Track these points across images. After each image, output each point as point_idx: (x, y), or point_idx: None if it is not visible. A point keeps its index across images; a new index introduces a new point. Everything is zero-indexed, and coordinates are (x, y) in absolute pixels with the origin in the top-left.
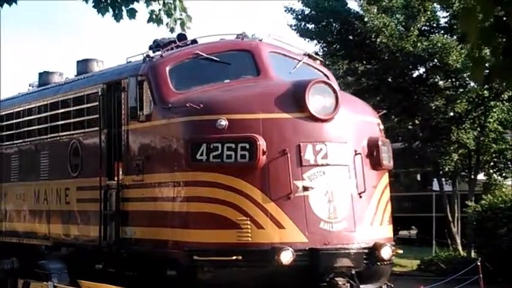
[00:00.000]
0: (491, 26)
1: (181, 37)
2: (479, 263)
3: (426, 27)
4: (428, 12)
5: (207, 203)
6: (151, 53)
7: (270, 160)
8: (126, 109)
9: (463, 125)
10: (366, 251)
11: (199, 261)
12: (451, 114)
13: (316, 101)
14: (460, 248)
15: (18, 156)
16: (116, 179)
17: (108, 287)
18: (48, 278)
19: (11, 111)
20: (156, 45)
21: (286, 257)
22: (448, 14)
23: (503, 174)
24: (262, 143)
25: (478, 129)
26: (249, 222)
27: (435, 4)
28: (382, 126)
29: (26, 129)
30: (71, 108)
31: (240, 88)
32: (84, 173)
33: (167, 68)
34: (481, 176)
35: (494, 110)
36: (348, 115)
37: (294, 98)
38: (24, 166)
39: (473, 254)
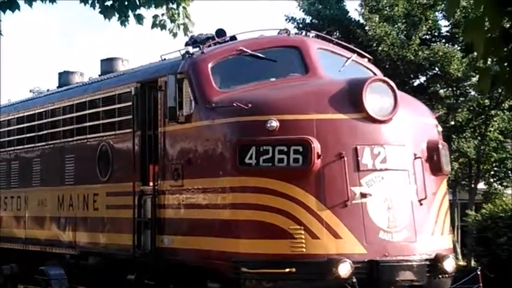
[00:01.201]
0: (498, 36)
1: (220, 33)
2: (479, 272)
3: (427, 36)
4: (430, 21)
5: (256, 210)
6: (191, 49)
7: (325, 164)
8: (163, 109)
9: (464, 134)
10: (428, 262)
11: (247, 274)
12: (452, 123)
13: (374, 100)
14: (460, 256)
15: (41, 159)
16: (151, 184)
17: None
18: (48, 284)
19: (33, 112)
20: (194, 42)
21: (345, 270)
22: (449, 23)
23: (504, 184)
24: (316, 146)
25: (479, 138)
26: (302, 232)
27: (437, 13)
28: (440, 128)
29: (49, 131)
30: (100, 109)
31: (290, 87)
32: (114, 178)
33: (209, 65)
34: (481, 185)
35: (494, 119)
36: (406, 116)
37: (350, 98)
38: (47, 170)
39: (473, 263)
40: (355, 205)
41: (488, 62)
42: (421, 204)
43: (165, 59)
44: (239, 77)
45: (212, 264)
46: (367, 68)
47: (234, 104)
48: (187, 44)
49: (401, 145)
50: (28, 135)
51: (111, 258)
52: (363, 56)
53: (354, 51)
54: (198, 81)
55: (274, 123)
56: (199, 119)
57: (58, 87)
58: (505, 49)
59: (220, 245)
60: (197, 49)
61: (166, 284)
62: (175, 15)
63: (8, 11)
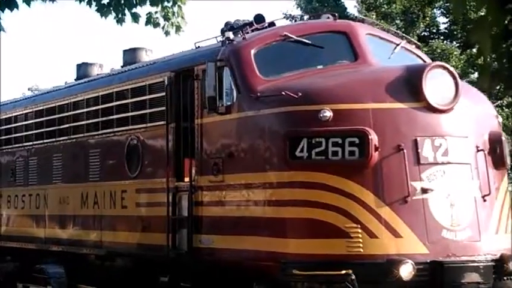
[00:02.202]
0: (499, 33)
1: (259, 19)
2: None
3: (425, 33)
4: (428, 18)
5: (307, 207)
6: (231, 35)
7: (383, 157)
8: (200, 100)
9: None
10: (493, 263)
11: (298, 276)
12: None
13: (434, 88)
14: None
15: (62, 155)
16: (186, 180)
17: None
18: (47, 282)
19: (53, 105)
20: (230, 28)
21: (406, 271)
22: (447, 19)
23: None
24: (374, 138)
25: None
26: (359, 230)
27: (435, 10)
28: (500, 119)
29: (71, 124)
30: (129, 100)
31: (341, 74)
32: (145, 174)
33: (252, 52)
34: None
35: None
36: (467, 105)
37: (408, 86)
38: (69, 166)
39: None
40: (415, 201)
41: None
42: (484, 200)
43: (199, 46)
44: (284, 65)
45: (258, 265)
46: (417, 55)
47: (283, 93)
48: (223, 31)
49: (463, 137)
50: (48, 129)
51: (141, 259)
52: (410, 43)
53: (402, 37)
54: (240, 69)
55: (328, 113)
56: (243, 109)
57: (76, 79)
58: (504, 45)
59: (267, 245)
60: (238, 35)
61: (204, 286)
62: (170, 14)
63: (6, 10)
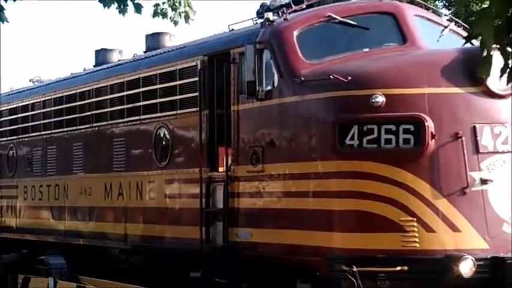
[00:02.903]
0: (503, 25)
1: (298, 0)
2: None
3: None
4: (430, 11)
5: (357, 199)
6: (271, 16)
7: (439, 146)
8: (237, 85)
9: None
10: None
11: (347, 272)
12: None
13: (494, 72)
14: None
15: (83, 144)
16: (220, 169)
17: (108, 283)
18: (49, 273)
19: (73, 91)
20: (267, 9)
21: (467, 268)
22: (450, 12)
23: None
24: (430, 124)
25: None
26: (415, 224)
27: (437, 2)
28: None
29: (93, 112)
30: (157, 86)
31: (391, 57)
32: (175, 163)
33: (295, 33)
34: None
35: None
36: None
37: (465, 70)
38: (91, 156)
39: None
40: (474, 193)
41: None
42: None
43: (233, 29)
44: (327, 47)
45: (301, 261)
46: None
47: (331, 77)
48: (258, 13)
49: None
50: (68, 117)
51: (169, 253)
52: (458, 25)
53: (450, 20)
54: (282, 52)
55: (380, 99)
56: (285, 94)
57: (95, 65)
58: (509, 36)
59: (312, 239)
60: (278, 16)
61: (240, 282)
62: (177, 4)
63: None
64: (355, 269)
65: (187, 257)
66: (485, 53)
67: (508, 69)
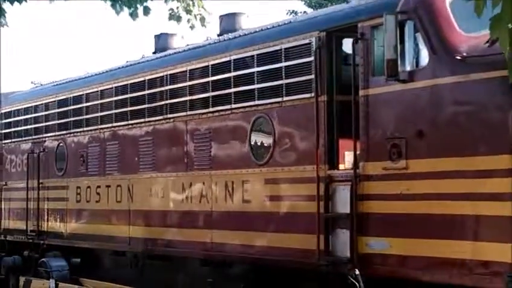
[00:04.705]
0: None
1: None
2: None
3: None
4: None
5: None
6: None
7: None
8: (367, 65)
9: None
10: None
11: None
12: None
13: None
14: None
15: (154, 138)
16: (342, 167)
17: (110, 285)
18: (50, 275)
19: (141, 79)
20: None
21: None
22: None
23: None
24: None
25: None
26: None
27: None
28: None
29: (167, 101)
30: (254, 69)
31: None
32: (280, 160)
33: (447, 0)
34: None
35: None
36: None
37: None
38: (164, 151)
39: None
40: None
41: None
42: None
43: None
44: (485, 17)
45: (461, 277)
46: None
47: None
48: None
49: None
50: (133, 108)
51: (269, 267)
52: None
53: None
54: (434, 23)
55: None
56: (439, 74)
57: (155, 52)
58: None
59: (478, 251)
60: None
61: None
62: (190, 7)
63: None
64: (357, 272)
65: (296, 271)
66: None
67: None
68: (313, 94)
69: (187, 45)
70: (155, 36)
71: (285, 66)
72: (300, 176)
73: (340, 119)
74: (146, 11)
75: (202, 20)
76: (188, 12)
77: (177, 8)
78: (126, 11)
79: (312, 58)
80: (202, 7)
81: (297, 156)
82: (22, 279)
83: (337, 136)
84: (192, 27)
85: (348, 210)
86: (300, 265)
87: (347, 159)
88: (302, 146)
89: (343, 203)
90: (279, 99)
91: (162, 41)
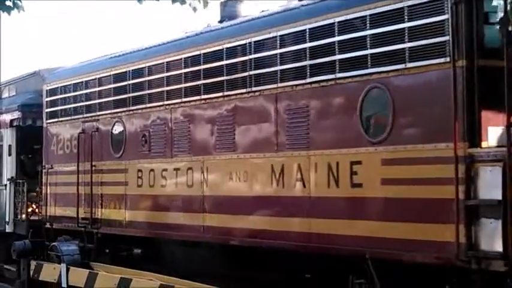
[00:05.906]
0: None
1: None
2: None
3: None
4: None
5: None
6: None
7: None
8: None
9: None
10: None
11: None
12: None
13: None
14: None
15: (233, 114)
16: (485, 144)
17: (122, 270)
18: (61, 260)
19: (216, 47)
20: None
21: None
22: None
23: None
24: None
25: None
26: None
27: None
28: None
29: (251, 72)
30: (367, 32)
31: None
32: (402, 137)
33: None
34: None
35: None
36: None
37: None
38: (246, 129)
39: None
40: None
41: None
42: None
43: None
44: None
45: None
46: None
47: None
48: None
49: None
50: (208, 80)
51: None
52: None
53: None
54: None
55: None
56: None
57: (221, 21)
58: None
59: None
60: None
61: None
62: None
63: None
64: None
65: (425, 267)
66: None
67: None
68: (448, 59)
69: (268, 9)
70: (221, 3)
71: (409, 27)
72: (429, 155)
73: (483, 88)
74: None
75: (206, 2)
76: None
77: None
78: None
79: (446, 16)
80: None
81: (425, 132)
82: (33, 264)
83: (478, 108)
84: (194, 9)
85: (498, 197)
86: (429, 259)
87: (491, 135)
88: (432, 120)
89: (491, 187)
90: (401, 66)
91: (229, 8)
